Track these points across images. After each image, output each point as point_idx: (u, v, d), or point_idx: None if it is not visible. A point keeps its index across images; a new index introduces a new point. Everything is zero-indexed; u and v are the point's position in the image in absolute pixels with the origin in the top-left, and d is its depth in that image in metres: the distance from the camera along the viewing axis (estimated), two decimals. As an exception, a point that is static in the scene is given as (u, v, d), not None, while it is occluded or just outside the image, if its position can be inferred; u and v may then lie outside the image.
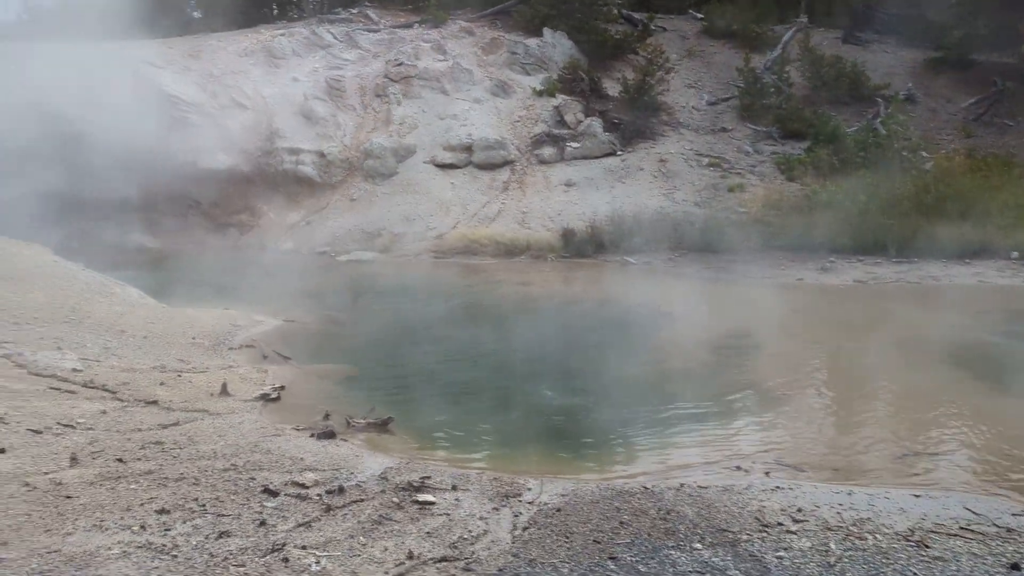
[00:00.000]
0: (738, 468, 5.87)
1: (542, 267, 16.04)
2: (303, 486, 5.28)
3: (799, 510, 4.98)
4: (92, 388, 7.10)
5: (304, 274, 15.14)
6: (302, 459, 5.86)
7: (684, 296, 12.89)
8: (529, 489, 5.35)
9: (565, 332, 10.98)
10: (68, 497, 4.82)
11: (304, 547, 4.39)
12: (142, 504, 4.81)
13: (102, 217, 18.89)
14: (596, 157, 20.79)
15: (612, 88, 23.85)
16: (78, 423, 6.18)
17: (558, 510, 4.98)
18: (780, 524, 4.77)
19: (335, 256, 17.51)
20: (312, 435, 6.50)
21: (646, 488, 5.31)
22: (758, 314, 11.59)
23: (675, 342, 10.10)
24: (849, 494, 5.28)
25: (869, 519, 4.88)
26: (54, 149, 17.27)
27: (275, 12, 30.56)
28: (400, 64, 23.11)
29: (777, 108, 22.30)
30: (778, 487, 5.36)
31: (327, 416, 7.04)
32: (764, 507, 5.00)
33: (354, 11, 27.65)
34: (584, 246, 16.76)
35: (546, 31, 25.68)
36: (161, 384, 7.51)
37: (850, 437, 6.84)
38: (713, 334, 10.39)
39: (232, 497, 5.03)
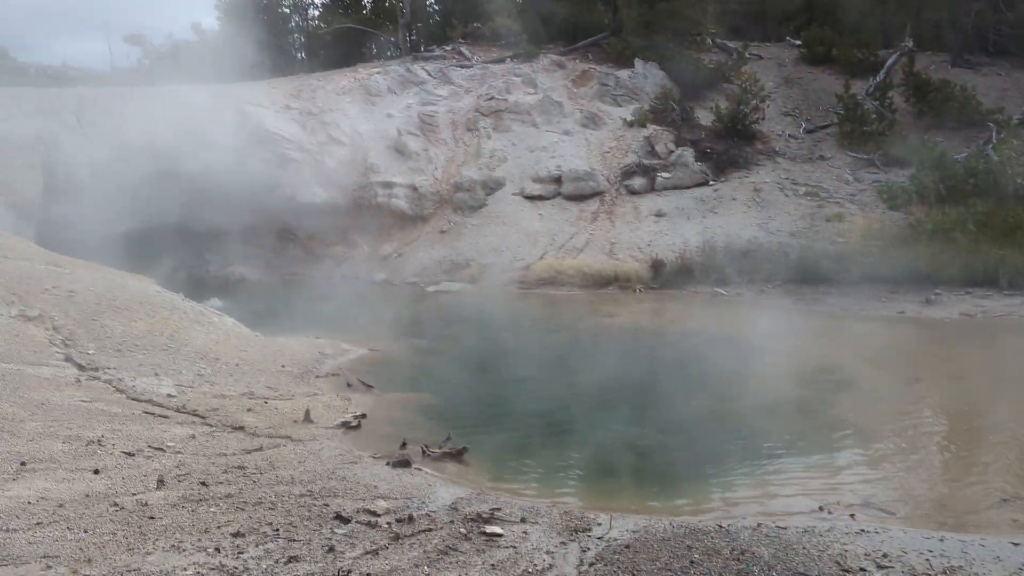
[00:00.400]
0: (821, 509, 5.58)
1: (629, 298, 15.86)
2: (374, 514, 5.32)
3: (884, 555, 4.68)
4: (184, 413, 7.38)
5: (392, 304, 15.45)
6: (376, 487, 5.91)
7: (774, 329, 12.46)
8: (599, 524, 5.23)
9: (647, 365, 10.79)
10: (151, 518, 5.00)
11: (369, 574, 4.41)
12: (219, 527, 4.94)
13: (207, 249, 19.84)
14: (687, 187, 20.52)
15: (705, 117, 23.57)
16: (168, 446, 6.42)
17: (627, 547, 4.85)
18: (863, 570, 4.49)
19: (424, 286, 17.81)
20: (387, 463, 6.56)
21: (720, 527, 5.11)
22: (852, 348, 11.09)
23: (761, 377, 9.75)
24: (941, 540, 4.94)
25: (961, 567, 4.54)
26: (164, 186, 18.28)
27: (374, 52, 31.65)
28: (491, 98, 23.50)
29: (879, 135, 21.51)
30: (863, 530, 5.06)
31: (404, 445, 7.10)
32: (847, 551, 4.73)
33: (448, 48, 28.36)
34: (673, 277, 16.49)
35: (637, 62, 25.68)
36: (248, 410, 7.74)
37: (945, 479, 6.42)
38: (802, 369, 9.98)
39: (305, 523, 5.11)
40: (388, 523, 5.16)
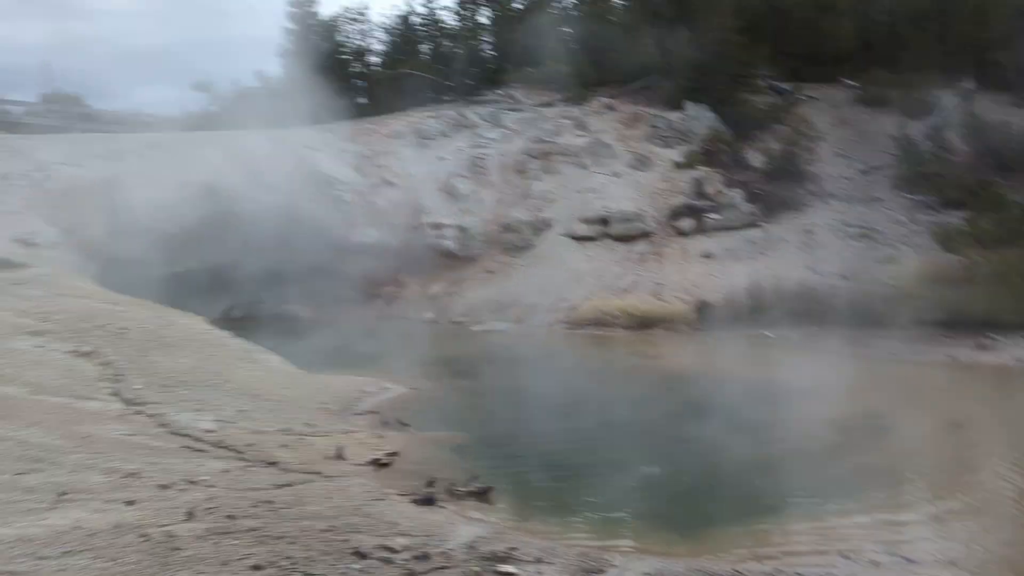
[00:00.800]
0: (842, 555, 5.47)
1: (674, 340, 15.78)
2: (392, 550, 5.40)
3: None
4: (221, 448, 7.60)
5: (437, 343, 15.65)
6: (397, 524, 6.00)
7: (818, 373, 12.22)
8: (614, 566, 5.24)
9: (685, 408, 10.72)
10: (176, 549, 5.16)
11: (378, 611, 4.48)
12: (239, 559, 5.08)
13: (262, 288, 20.37)
14: (737, 228, 20.39)
15: (756, 159, 23.44)
16: (201, 480, 6.62)
17: (639, 589, 4.84)
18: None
19: (470, 326, 18.01)
20: (412, 501, 6.66)
21: (736, 571, 5.06)
22: (896, 393, 10.84)
23: (799, 422, 9.58)
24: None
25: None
26: (222, 227, 18.90)
27: (431, 96, 32.40)
28: (541, 141, 23.81)
29: (936, 176, 21.08)
30: (885, 580, 4.97)
31: (431, 483, 7.19)
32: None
33: (500, 92, 28.86)
34: (720, 319, 16.37)
35: (688, 104, 25.75)
36: (284, 446, 7.93)
37: (974, 530, 6.22)
38: (842, 414, 9.78)
39: (323, 557, 5.22)
40: (404, 560, 5.24)
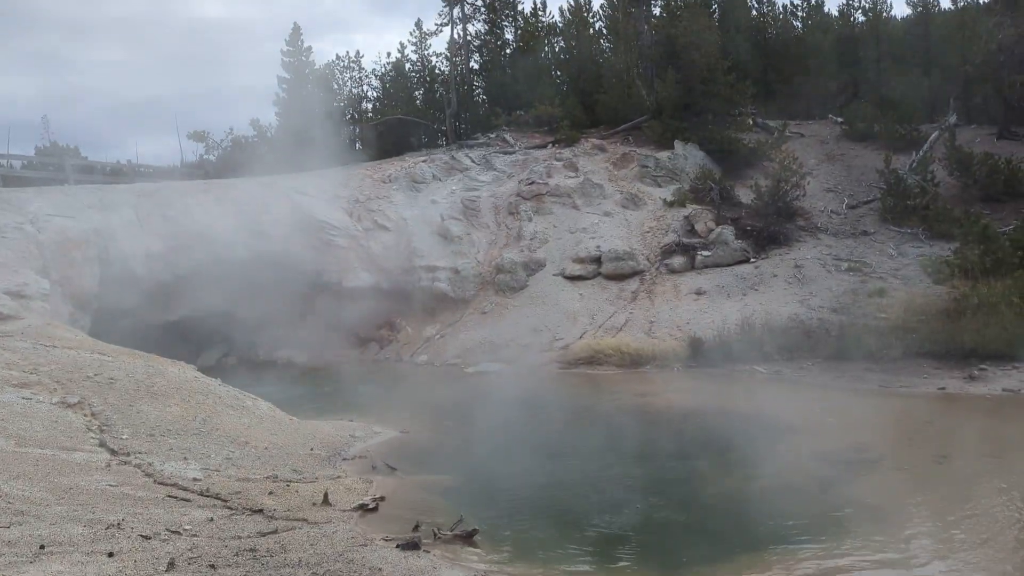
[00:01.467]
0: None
1: (667, 377, 15.76)
2: (372, 597, 5.39)
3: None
4: (206, 496, 7.59)
5: (430, 386, 15.64)
6: (380, 569, 5.98)
7: (808, 407, 12.24)
8: (595, 609, 5.21)
9: (675, 446, 10.70)
10: (154, 600, 5.16)
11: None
12: (219, 609, 5.07)
13: (256, 334, 20.42)
14: (728, 265, 20.51)
15: (745, 195, 23.67)
16: (185, 530, 6.61)
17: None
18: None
19: (464, 367, 17.99)
20: (397, 546, 6.64)
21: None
22: (885, 426, 10.81)
23: (789, 456, 9.57)
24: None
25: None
26: (216, 274, 19.00)
27: (424, 140, 32.80)
28: (532, 183, 24.06)
29: (923, 209, 21.28)
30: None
31: (417, 527, 7.17)
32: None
33: (492, 135, 29.25)
34: (712, 355, 16.34)
35: (677, 143, 26.09)
36: (270, 493, 7.92)
37: (963, 564, 6.19)
38: (832, 448, 9.76)
39: (303, 605, 5.20)
40: (384, 606, 5.22)
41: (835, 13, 35.99)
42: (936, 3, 33.93)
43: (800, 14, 36.64)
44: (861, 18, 35.11)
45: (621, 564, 6.72)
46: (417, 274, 21.36)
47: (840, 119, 29.02)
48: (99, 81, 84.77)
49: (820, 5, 36.51)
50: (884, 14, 34.66)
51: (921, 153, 23.88)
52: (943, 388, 12.95)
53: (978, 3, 29.96)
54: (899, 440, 9.94)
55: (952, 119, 26.38)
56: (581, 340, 18.18)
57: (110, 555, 5.82)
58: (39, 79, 78.02)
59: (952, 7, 32.80)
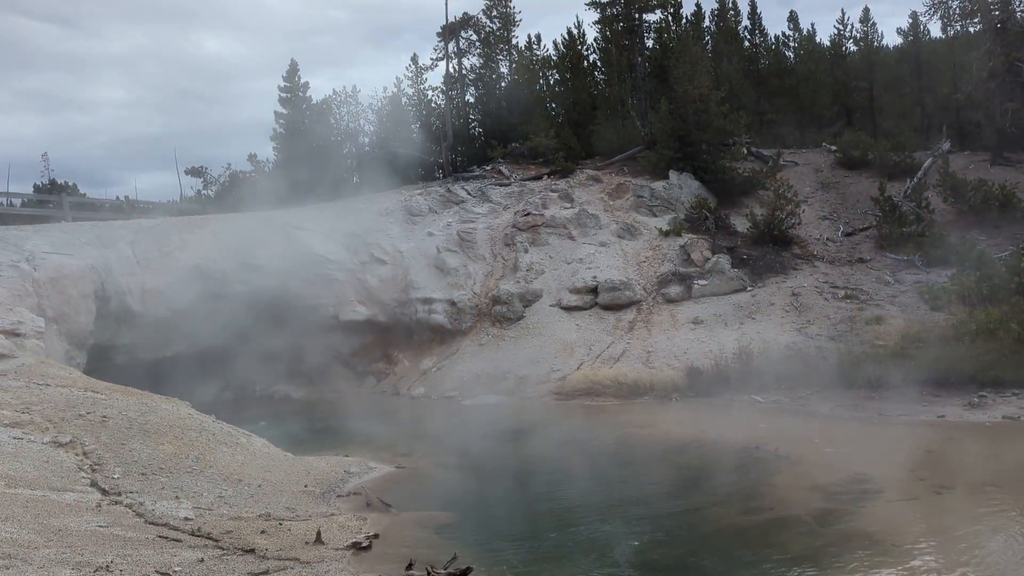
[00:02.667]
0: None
1: (665, 408, 15.67)
2: (363, 640, 5.29)
3: None
4: (197, 536, 7.49)
5: (426, 419, 15.55)
6: (372, 610, 5.89)
7: (806, 437, 12.15)
8: (588, 650, 5.12)
9: (674, 478, 10.60)
10: (141, 644, 5.06)
11: None
12: (205, 654, 4.97)
13: (253, 370, 20.33)
14: (724, 294, 20.50)
15: (741, 224, 23.76)
16: (174, 571, 6.51)
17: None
18: None
19: (461, 400, 17.89)
20: (390, 586, 6.54)
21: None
22: (883, 456, 10.70)
23: (787, 488, 9.47)
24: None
25: None
26: (213, 309, 18.99)
27: (421, 173, 32.93)
28: (528, 214, 24.12)
29: (919, 235, 21.34)
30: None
31: (411, 565, 7.08)
32: None
33: (488, 168, 29.40)
34: (709, 385, 16.27)
35: (672, 173, 26.21)
36: (262, 532, 7.82)
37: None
38: (830, 479, 9.66)
39: (292, 649, 5.11)
40: (374, 649, 5.13)
41: (827, 43, 36.40)
42: (927, 32, 34.37)
43: (792, 44, 37.06)
44: (853, 48, 35.51)
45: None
46: (414, 306, 21.32)
47: (834, 147, 29.22)
48: (100, 118, 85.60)
49: (812, 35, 36.96)
50: (875, 43, 35.06)
51: (915, 180, 24.02)
52: (943, 416, 12.87)
53: (968, 32, 30.31)
54: (899, 470, 9.85)
55: (945, 146, 26.56)
56: (579, 371, 18.11)
57: (97, 599, 5.74)
58: (40, 117, 78.82)
59: (942, 36, 33.24)
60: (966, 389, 13.86)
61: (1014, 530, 7.67)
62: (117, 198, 27.74)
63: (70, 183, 32.53)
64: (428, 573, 6.93)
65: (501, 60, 36.52)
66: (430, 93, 36.30)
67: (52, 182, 32.41)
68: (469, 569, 6.94)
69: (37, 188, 31.41)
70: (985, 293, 17.15)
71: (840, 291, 19.70)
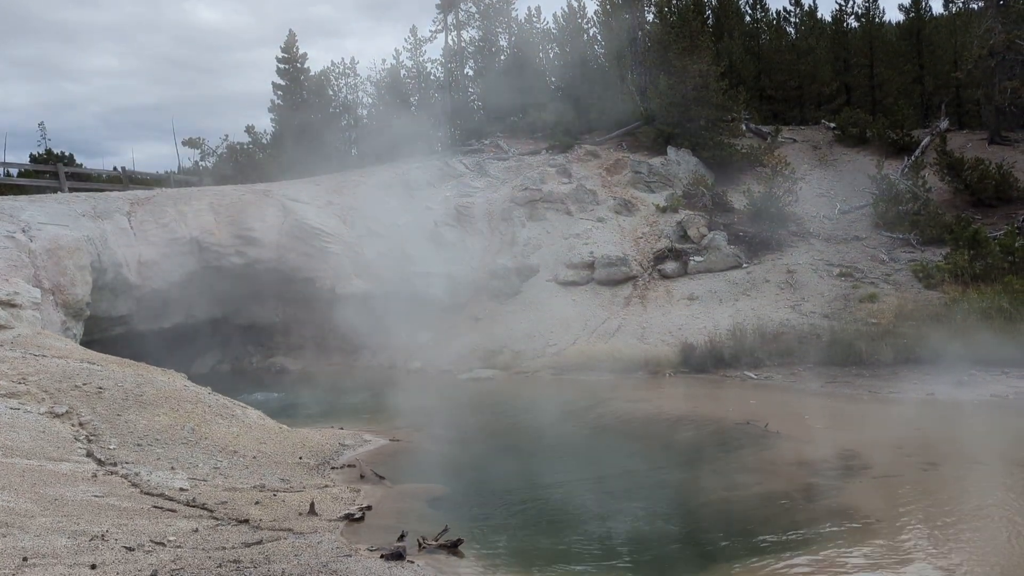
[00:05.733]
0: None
1: (658, 383, 15.79)
2: (354, 608, 5.40)
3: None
4: (192, 507, 7.59)
5: (422, 392, 15.65)
6: (363, 581, 6.00)
7: (796, 414, 12.27)
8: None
9: (665, 453, 10.73)
10: (135, 611, 5.17)
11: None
12: (199, 621, 5.08)
13: (250, 342, 20.43)
14: (720, 270, 20.56)
15: (738, 201, 23.75)
16: (169, 541, 6.62)
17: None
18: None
19: (457, 374, 18.00)
20: (381, 556, 6.65)
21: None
22: (872, 432, 10.83)
23: (776, 463, 9.59)
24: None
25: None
26: (209, 281, 19.02)
27: (419, 146, 32.78)
28: (526, 189, 24.09)
29: (915, 214, 21.37)
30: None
31: (402, 536, 7.18)
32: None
33: (486, 142, 29.29)
34: (703, 361, 16.40)
35: (670, 149, 26.17)
36: (256, 503, 7.92)
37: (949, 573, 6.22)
38: (819, 455, 9.80)
39: (284, 617, 5.21)
40: (364, 617, 5.24)
41: (828, 19, 36.15)
42: (928, 9, 34.11)
43: (793, 20, 36.81)
44: (854, 24, 35.25)
45: (600, 573, 6.73)
46: (410, 280, 21.32)
47: (833, 124, 29.13)
48: (93, 88, 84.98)
49: (813, 11, 36.69)
50: (877, 19, 34.82)
51: (913, 158, 23.99)
52: (932, 394, 12.99)
53: (970, 9, 30.11)
54: (887, 447, 9.96)
55: (944, 124, 26.53)
56: (574, 346, 18.22)
57: (93, 567, 5.83)
58: (31, 85, 78.19)
59: (944, 12, 33.02)
60: (956, 367, 13.98)
61: (998, 507, 7.79)
62: (114, 169, 27.63)
63: (66, 153, 32.35)
64: (420, 544, 7.05)
65: (500, 33, 36.25)
66: (429, 66, 36.11)
67: (48, 152, 32.26)
68: (460, 540, 7.06)
69: (33, 158, 31.24)
70: (978, 272, 17.25)
71: (835, 268, 19.78)
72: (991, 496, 8.11)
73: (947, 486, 8.57)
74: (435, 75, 35.95)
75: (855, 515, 7.68)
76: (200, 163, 32.71)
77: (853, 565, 6.61)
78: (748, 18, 37.09)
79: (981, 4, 26.99)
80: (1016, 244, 17.48)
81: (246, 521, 7.39)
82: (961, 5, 31.13)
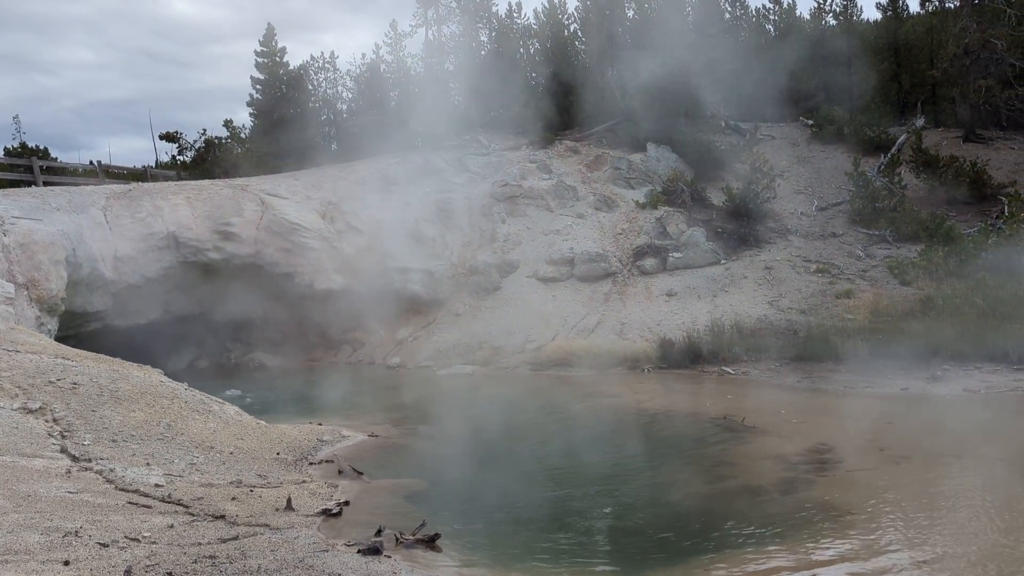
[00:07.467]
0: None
1: (637, 379, 15.87)
2: (330, 603, 5.40)
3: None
4: (168, 503, 7.55)
5: (401, 389, 15.64)
6: (340, 575, 5.99)
7: (771, 408, 12.39)
8: (550, 613, 5.26)
9: (643, 448, 10.81)
10: (109, 608, 5.13)
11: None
12: (173, 617, 5.05)
13: (228, 338, 20.31)
14: (699, 266, 20.68)
15: (717, 197, 23.88)
16: (144, 537, 6.57)
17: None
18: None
19: (436, 370, 17.99)
20: (358, 551, 6.64)
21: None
22: (846, 427, 10.98)
23: (751, 458, 9.69)
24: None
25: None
26: (186, 277, 18.88)
27: (399, 141, 32.65)
28: (506, 184, 24.09)
29: (891, 211, 21.59)
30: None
31: (380, 531, 7.18)
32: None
33: (466, 137, 29.21)
34: (681, 357, 16.49)
35: (650, 146, 26.26)
36: (233, 499, 7.89)
37: (918, 563, 6.31)
38: (793, 449, 9.90)
39: (259, 612, 5.20)
40: (340, 612, 5.24)
41: (807, 16, 36.39)
42: (906, 8, 34.39)
43: (772, 17, 36.99)
44: (832, 22, 35.50)
45: (584, 568, 6.77)
46: (390, 276, 21.29)
47: (810, 121, 29.35)
48: (66, 81, 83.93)
49: (792, 8, 36.89)
50: (855, 17, 35.07)
51: (889, 156, 24.21)
52: (906, 388, 13.15)
53: (946, 8, 30.42)
54: (860, 441, 10.09)
55: (920, 122, 26.79)
56: (554, 342, 18.26)
57: (66, 563, 5.78)
58: (8, 79, 77.08)
59: (921, 11, 33.30)
60: (930, 363, 14.15)
61: (970, 498, 7.92)
62: (90, 163, 27.27)
63: (41, 147, 31.97)
64: (397, 539, 7.05)
65: (481, 28, 36.17)
66: (409, 60, 35.95)
67: (23, 145, 31.84)
68: (437, 535, 7.07)
69: (7, 152, 30.84)
70: (952, 268, 17.46)
71: (812, 265, 19.96)
72: (963, 488, 8.25)
73: (920, 479, 8.68)
74: (415, 70, 35.83)
75: (830, 507, 7.77)
76: (177, 157, 32.42)
77: (829, 556, 6.68)
78: (727, 15, 37.22)
79: (957, 3, 27.29)
80: (989, 241, 17.70)
81: (222, 517, 7.35)
82: (937, 4, 31.41)
